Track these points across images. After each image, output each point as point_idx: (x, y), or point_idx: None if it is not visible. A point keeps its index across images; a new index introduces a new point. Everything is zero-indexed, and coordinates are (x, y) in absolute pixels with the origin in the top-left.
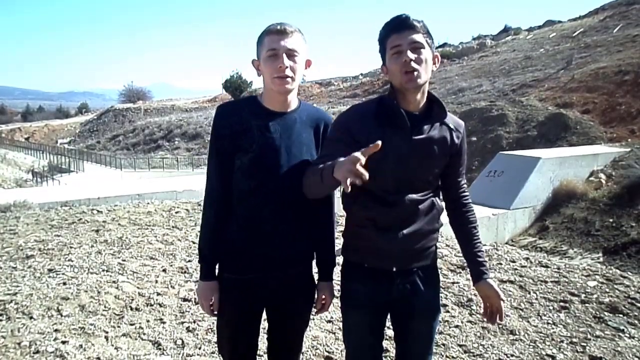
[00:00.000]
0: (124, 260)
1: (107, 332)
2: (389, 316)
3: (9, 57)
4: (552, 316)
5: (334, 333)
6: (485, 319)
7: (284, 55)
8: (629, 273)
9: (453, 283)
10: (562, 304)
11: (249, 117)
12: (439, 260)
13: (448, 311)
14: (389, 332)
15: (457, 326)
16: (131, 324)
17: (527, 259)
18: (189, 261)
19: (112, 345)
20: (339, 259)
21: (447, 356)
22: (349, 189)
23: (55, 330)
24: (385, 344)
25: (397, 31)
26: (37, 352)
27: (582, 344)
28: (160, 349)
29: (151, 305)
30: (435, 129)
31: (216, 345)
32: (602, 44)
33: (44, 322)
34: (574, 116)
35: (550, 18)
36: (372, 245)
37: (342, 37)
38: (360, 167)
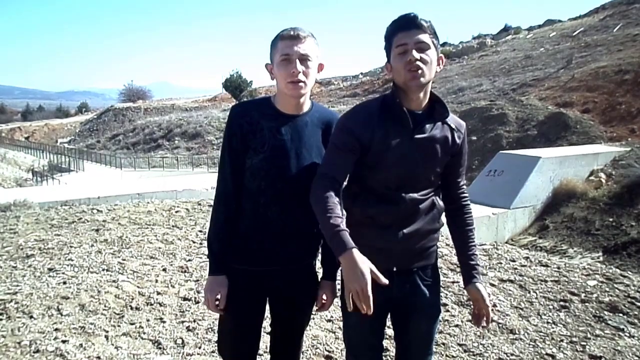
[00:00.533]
0: (124, 260)
1: (107, 332)
2: (389, 316)
3: (9, 57)
4: (552, 315)
5: (334, 332)
6: (473, 321)
7: (297, 60)
8: (629, 272)
9: (453, 282)
10: (562, 303)
11: (261, 118)
12: (439, 260)
13: (448, 310)
14: (389, 332)
15: (457, 325)
16: (131, 323)
17: (527, 258)
18: (189, 260)
19: (112, 345)
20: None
21: (447, 355)
22: (351, 308)
23: (56, 330)
24: (385, 343)
25: (405, 29)
26: (37, 351)
27: (582, 343)
28: (160, 348)
29: (151, 304)
30: (437, 129)
31: (216, 344)
32: (602, 43)
33: (44, 322)
34: (574, 115)
35: (550, 17)
36: (372, 244)
37: (342, 36)
38: (368, 296)
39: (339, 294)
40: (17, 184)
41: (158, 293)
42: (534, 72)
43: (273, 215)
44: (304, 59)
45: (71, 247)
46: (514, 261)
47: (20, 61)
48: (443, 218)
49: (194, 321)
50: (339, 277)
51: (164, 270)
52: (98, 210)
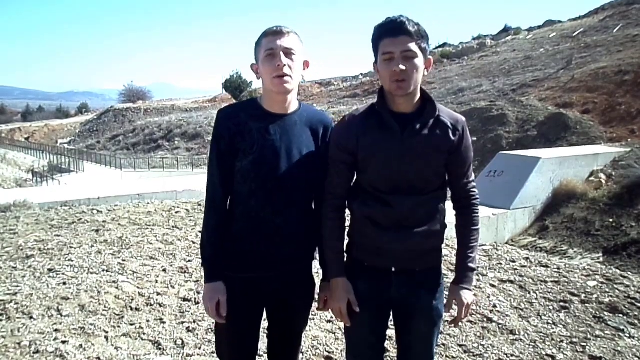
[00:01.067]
0: (124, 260)
1: (107, 332)
2: (391, 317)
3: (9, 57)
4: (552, 316)
5: (334, 333)
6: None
7: (282, 53)
8: (629, 273)
9: None
10: (562, 304)
11: (249, 119)
12: None
13: (448, 311)
14: (389, 332)
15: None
16: (131, 324)
17: (527, 258)
18: (189, 261)
19: (112, 345)
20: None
21: (447, 356)
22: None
23: (55, 330)
24: (385, 344)
25: (391, 35)
26: (37, 352)
27: (582, 343)
28: (160, 348)
29: (151, 305)
30: (428, 128)
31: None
32: (602, 43)
33: (44, 322)
34: (574, 116)
35: (550, 18)
36: (372, 244)
37: (342, 36)
38: (344, 315)
39: None
40: (17, 185)
41: (158, 294)
42: (534, 73)
43: (266, 217)
44: (288, 53)
45: (71, 247)
46: (514, 262)
47: (20, 61)
48: (448, 219)
49: (194, 322)
50: None
51: (164, 270)
52: (98, 211)
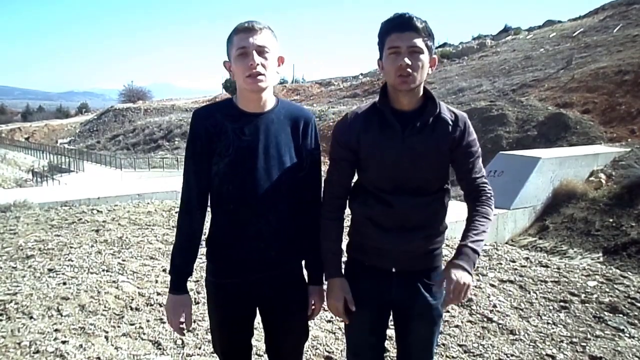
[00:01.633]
0: (124, 260)
1: (107, 332)
2: (391, 317)
3: (9, 57)
4: (552, 316)
5: (334, 333)
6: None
7: (254, 52)
8: (629, 273)
9: None
10: (562, 303)
11: (225, 120)
12: None
13: (448, 311)
14: (389, 332)
15: (457, 326)
16: (131, 324)
17: (527, 258)
18: None
19: (112, 345)
20: (343, 258)
21: (447, 356)
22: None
23: (55, 330)
24: (385, 344)
25: (398, 31)
26: (37, 352)
27: (582, 343)
28: (160, 348)
29: (151, 305)
30: (429, 126)
31: None
32: (602, 43)
33: (44, 322)
34: (574, 116)
35: (550, 18)
36: (372, 244)
37: (342, 36)
38: (342, 313)
39: None
40: (17, 185)
41: (158, 294)
42: (534, 73)
43: (245, 220)
44: (261, 51)
45: (71, 247)
46: (514, 262)
47: (21, 61)
48: (447, 219)
49: (194, 322)
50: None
51: (164, 270)
52: (98, 211)
